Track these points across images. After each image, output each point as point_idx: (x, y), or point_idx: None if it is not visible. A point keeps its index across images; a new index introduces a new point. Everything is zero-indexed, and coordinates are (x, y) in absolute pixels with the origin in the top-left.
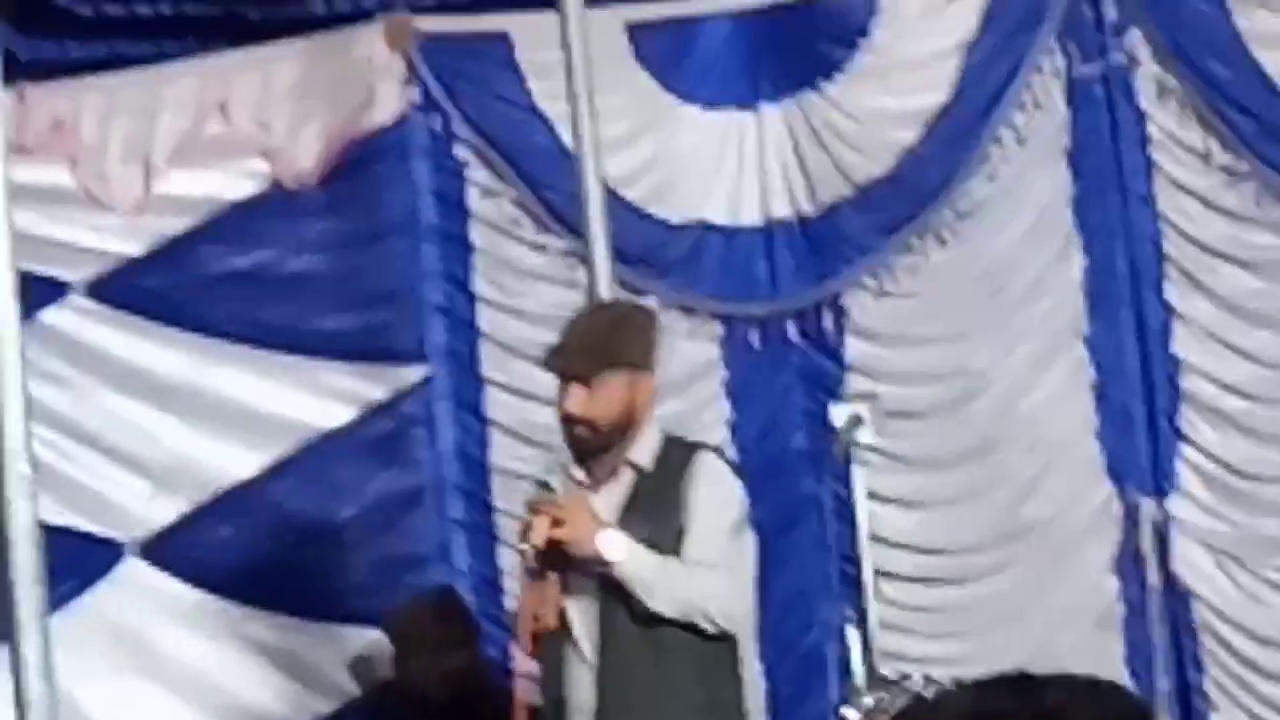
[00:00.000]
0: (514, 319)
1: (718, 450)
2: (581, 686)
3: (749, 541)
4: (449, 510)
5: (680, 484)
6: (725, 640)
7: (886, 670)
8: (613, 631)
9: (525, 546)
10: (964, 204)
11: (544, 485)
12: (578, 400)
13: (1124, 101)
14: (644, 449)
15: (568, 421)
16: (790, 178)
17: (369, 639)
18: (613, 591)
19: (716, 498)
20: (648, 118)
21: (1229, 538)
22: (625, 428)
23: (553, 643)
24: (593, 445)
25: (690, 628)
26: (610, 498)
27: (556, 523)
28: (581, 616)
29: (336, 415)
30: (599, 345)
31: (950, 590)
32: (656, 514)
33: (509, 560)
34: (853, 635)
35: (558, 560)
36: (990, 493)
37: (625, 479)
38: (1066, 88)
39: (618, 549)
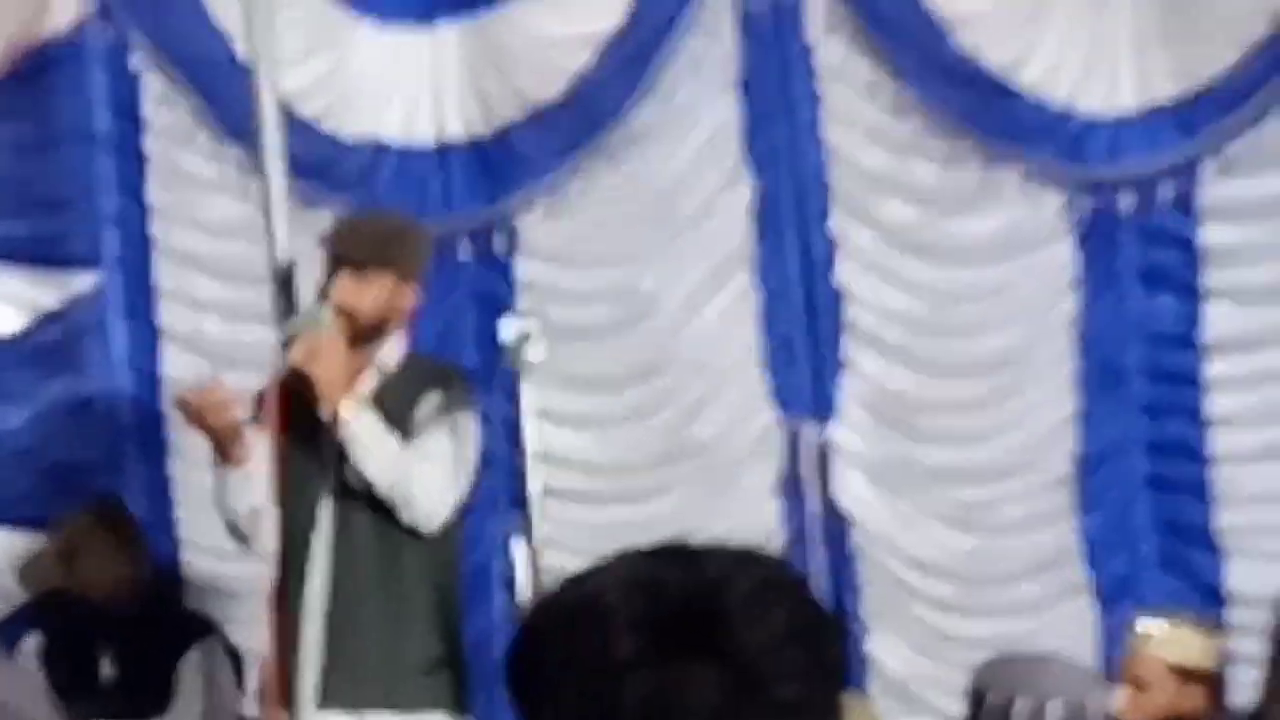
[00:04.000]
0: (187, 229)
1: (460, 370)
2: (316, 584)
3: (469, 461)
4: (120, 418)
5: (418, 391)
6: (446, 541)
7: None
8: (346, 528)
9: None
10: (637, 127)
11: (313, 317)
12: (346, 288)
13: (792, 34)
14: (391, 353)
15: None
16: (465, 97)
17: (37, 544)
18: (349, 492)
19: (449, 409)
20: (324, 33)
21: (887, 464)
22: (380, 330)
23: (295, 539)
24: (346, 339)
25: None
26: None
27: (310, 354)
28: (318, 514)
29: (8, 321)
30: (382, 243)
31: (615, 509)
32: (392, 414)
33: (179, 470)
34: (518, 552)
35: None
36: (656, 414)
37: (370, 378)
38: (739, 18)
39: (352, 407)
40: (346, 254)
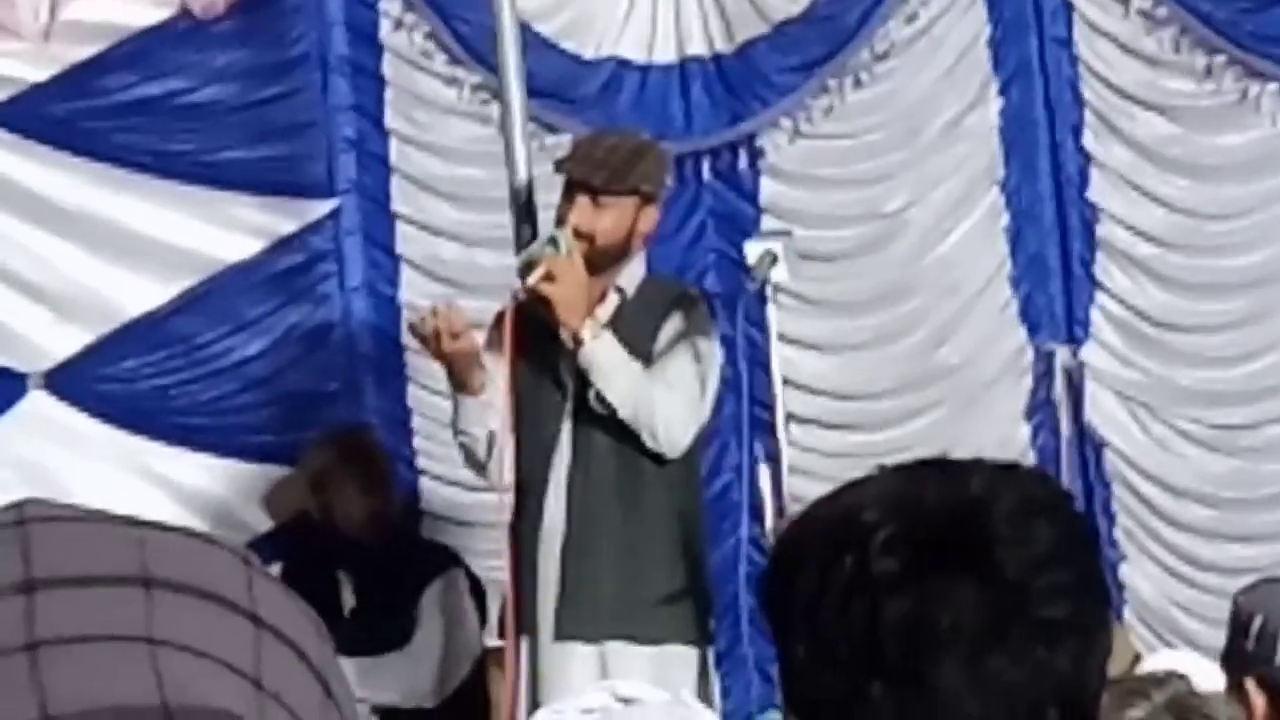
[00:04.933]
0: (425, 153)
1: (701, 293)
2: (554, 512)
3: (711, 385)
4: (358, 346)
5: (658, 316)
6: (687, 468)
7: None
8: (586, 457)
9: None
10: (881, 45)
11: (552, 241)
12: (585, 212)
13: None
14: (630, 277)
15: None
16: (706, 15)
17: (277, 474)
18: (589, 420)
19: (690, 333)
20: None
21: (1141, 386)
22: (619, 254)
23: (533, 467)
24: (585, 261)
25: (634, 439)
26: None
27: (549, 278)
28: (557, 443)
29: (244, 248)
30: (620, 165)
31: (861, 435)
32: (632, 339)
33: (417, 398)
34: (764, 478)
35: (529, 316)
36: (903, 338)
37: (610, 303)
38: None
39: (593, 330)
40: (583, 178)
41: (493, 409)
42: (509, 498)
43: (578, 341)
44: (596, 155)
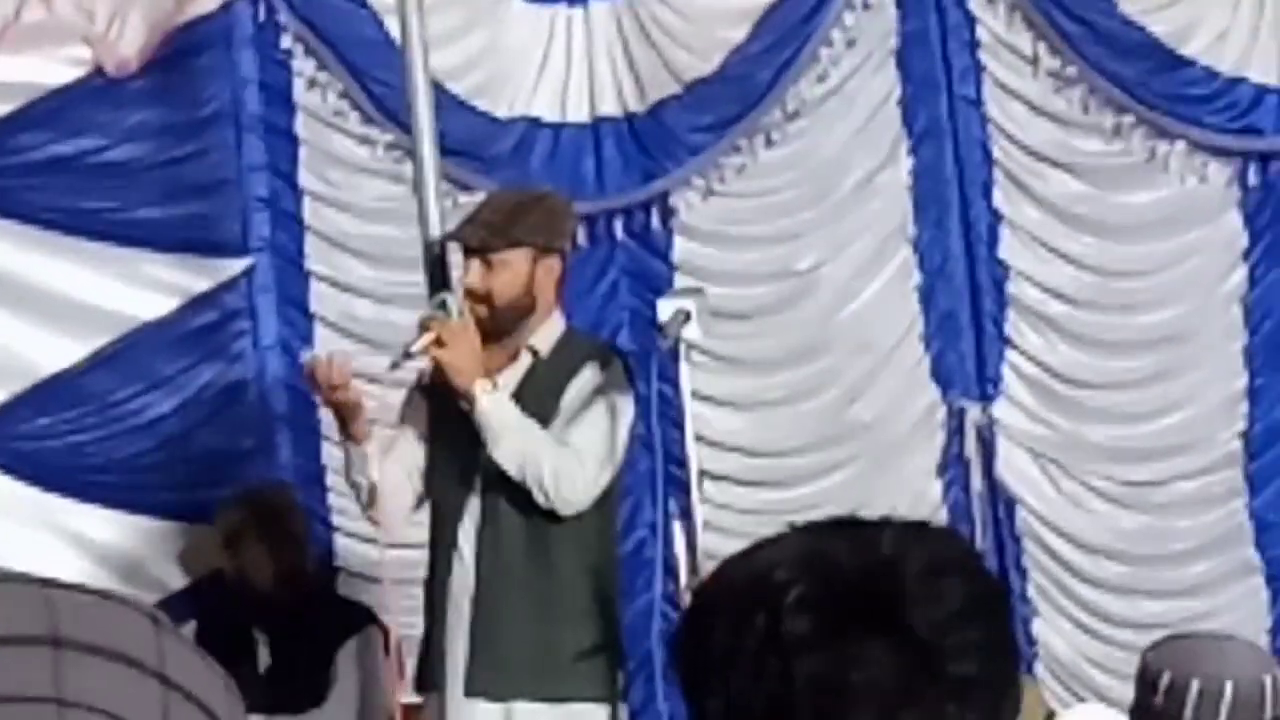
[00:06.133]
0: (339, 212)
1: (619, 352)
2: (465, 570)
3: (619, 442)
4: (272, 404)
5: (572, 371)
6: (600, 525)
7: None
8: (494, 517)
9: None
10: (793, 104)
11: (442, 304)
12: (476, 274)
13: (953, 4)
14: (545, 336)
15: (469, 296)
16: (619, 75)
17: (192, 532)
18: (496, 480)
19: (601, 389)
20: (476, 11)
21: (1052, 443)
22: (525, 310)
23: (445, 526)
24: (489, 326)
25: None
26: (505, 381)
27: (440, 343)
28: (466, 503)
29: (157, 306)
30: (502, 222)
31: (774, 492)
32: (544, 397)
33: (331, 455)
34: (677, 536)
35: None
36: (816, 395)
37: (522, 364)
38: None
39: (485, 391)
40: (467, 240)
41: (375, 459)
42: (388, 548)
43: (470, 403)
44: (480, 216)
